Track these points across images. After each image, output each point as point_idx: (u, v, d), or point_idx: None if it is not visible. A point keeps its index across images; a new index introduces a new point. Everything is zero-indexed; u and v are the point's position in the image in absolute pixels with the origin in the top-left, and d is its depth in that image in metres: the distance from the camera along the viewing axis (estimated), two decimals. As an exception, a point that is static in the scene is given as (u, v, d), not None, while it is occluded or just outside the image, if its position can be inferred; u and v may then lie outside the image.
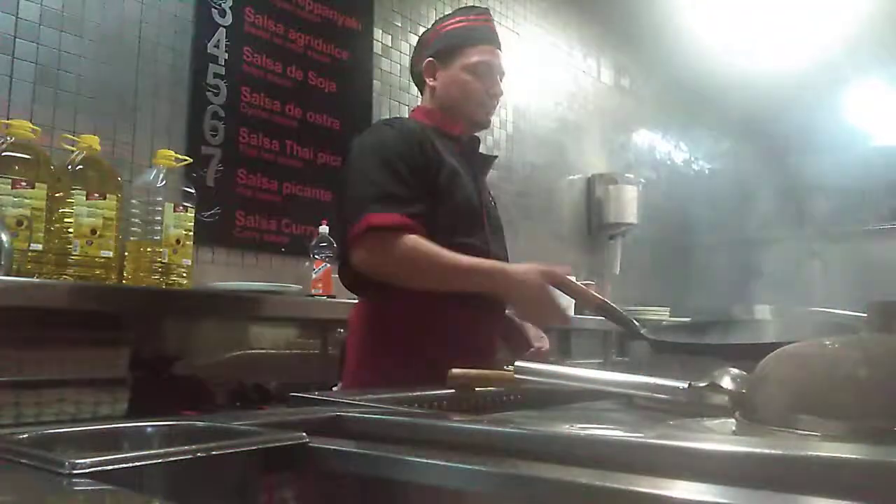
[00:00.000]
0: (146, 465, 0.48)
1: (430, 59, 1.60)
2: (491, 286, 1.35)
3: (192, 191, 1.94)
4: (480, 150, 1.69)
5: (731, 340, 1.05)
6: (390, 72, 3.01)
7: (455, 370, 1.00)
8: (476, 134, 1.65)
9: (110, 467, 0.46)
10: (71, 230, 1.66)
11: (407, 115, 3.05)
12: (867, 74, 4.99)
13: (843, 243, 6.21)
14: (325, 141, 2.62)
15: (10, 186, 1.56)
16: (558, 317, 1.34)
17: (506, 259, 1.59)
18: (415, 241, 1.34)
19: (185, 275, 1.88)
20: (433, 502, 0.53)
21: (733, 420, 0.66)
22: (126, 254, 1.83)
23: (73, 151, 1.73)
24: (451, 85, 1.57)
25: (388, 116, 2.96)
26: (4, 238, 1.46)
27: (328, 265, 2.20)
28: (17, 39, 1.86)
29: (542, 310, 1.32)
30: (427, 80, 1.61)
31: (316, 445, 0.58)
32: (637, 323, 1.18)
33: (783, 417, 0.58)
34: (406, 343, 1.40)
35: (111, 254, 1.71)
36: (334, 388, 1.57)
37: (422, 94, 1.66)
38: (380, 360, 1.42)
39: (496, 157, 1.79)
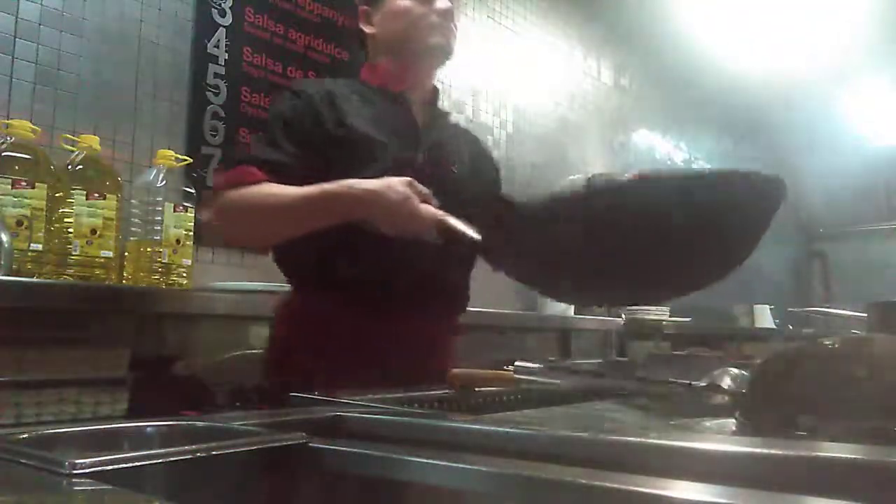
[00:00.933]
0: (146, 465, 0.48)
1: (363, 6, 1.41)
2: (342, 209, 1.15)
3: (192, 191, 1.94)
4: (441, 109, 1.48)
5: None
6: (390, 72, 3.01)
7: (457, 370, 1.00)
8: (435, 91, 1.45)
9: (110, 467, 0.46)
10: (71, 230, 1.66)
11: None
12: (867, 74, 4.99)
13: (843, 243, 6.22)
14: (325, 141, 2.62)
15: (10, 186, 1.56)
16: (429, 224, 1.12)
17: (470, 254, 1.35)
18: (248, 188, 1.19)
19: (185, 275, 1.88)
20: (433, 502, 0.53)
21: (733, 420, 0.66)
22: (126, 254, 1.83)
23: (73, 151, 1.73)
24: (389, 20, 1.37)
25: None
26: (4, 238, 1.46)
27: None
28: (17, 39, 1.86)
29: (409, 218, 1.11)
30: (366, 31, 1.41)
31: (316, 445, 0.58)
32: (474, 234, 1.05)
33: (783, 417, 0.58)
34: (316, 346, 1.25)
35: (111, 254, 1.71)
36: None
37: (367, 56, 1.45)
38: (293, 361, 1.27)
39: (447, 113, 1.54)
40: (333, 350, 1.23)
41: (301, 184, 1.18)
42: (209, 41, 2.28)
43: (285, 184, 1.19)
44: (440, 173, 1.33)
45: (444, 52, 1.37)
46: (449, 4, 1.36)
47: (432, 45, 1.34)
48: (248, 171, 1.20)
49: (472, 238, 1.06)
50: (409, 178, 1.13)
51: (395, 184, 1.12)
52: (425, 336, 1.33)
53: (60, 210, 1.66)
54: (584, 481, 0.45)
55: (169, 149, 1.97)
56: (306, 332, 1.29)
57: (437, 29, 1.34)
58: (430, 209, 1.12)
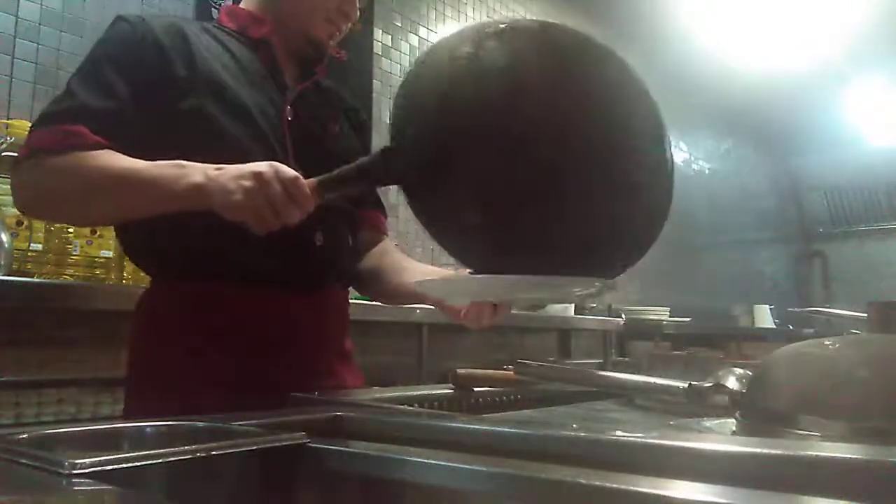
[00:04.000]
0: (146, 465, 0.48)
1: None
2: (169, 193, 0.91)
3: (192, 191, 1.94)
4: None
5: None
6: (390, 72, 3.01)
7: (457, 370, 1.00)
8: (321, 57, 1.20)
9: (110, 467, 0.46)
10: (71, 230, 1.66)
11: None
12: (867, 74, 4.99)
13: (843, 243, 6.22)
14: (325, 141, 2.62)
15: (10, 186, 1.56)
16: (285, 217, 0.88)
17: (344, 246, 1.16)
18: (75, 155, 0.95)
19: (185, 275, 1.88)
20: (433, 502, 0.53)
21: (733, 420, 0.66)
22: (126, 254, 1.84)
23: (73, 151, 1.74)
24: None
25: (388, 117, 2.96)
26: (4, 238, 1.46)
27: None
28: (17, 39, 1.86)
29: (262, 209, 0.87)
30: None
31: (316, 445, 0.58)
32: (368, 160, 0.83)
33: (783, 417, 0.58)
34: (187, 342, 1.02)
35: (111, 254, 1.71)
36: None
37: None
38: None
39: (326, 68, 1.25)
40: (246, 342, 1.03)
41: (139, 139, 0.98)
42: (209, 41, 2.28)
43: (118, 139, 0.97)
44: (310, 131, 1.14)
45: (319, 51, 1.18)
46: (356, 16, 1.20)
47: (313, 39, 1.17)
48: (73, 130, 0.96)
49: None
50: (265, 168, 0.88)
51: (257, 166, 0.88)
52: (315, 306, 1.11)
53: (60, 210, 1.67)
54: (584, 481, 0.45)
55: (169, 149, 1.97)
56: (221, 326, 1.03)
57: (330, 28, 1.17)
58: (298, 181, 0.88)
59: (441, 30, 3.28)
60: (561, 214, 0.71)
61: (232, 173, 0.89)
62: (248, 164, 0.89)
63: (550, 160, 0.69)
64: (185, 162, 0.93)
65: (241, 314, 1.03)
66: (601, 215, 0.72)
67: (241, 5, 1.21)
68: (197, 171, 0.91)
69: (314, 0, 1.15)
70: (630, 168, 0.73)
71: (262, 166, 0.88)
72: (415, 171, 0.77)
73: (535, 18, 0.87)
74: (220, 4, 2.31)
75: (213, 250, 1.01)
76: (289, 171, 0.88)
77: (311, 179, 0.88)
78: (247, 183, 0.87)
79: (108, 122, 0.98)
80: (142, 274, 1.83)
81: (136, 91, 1.01)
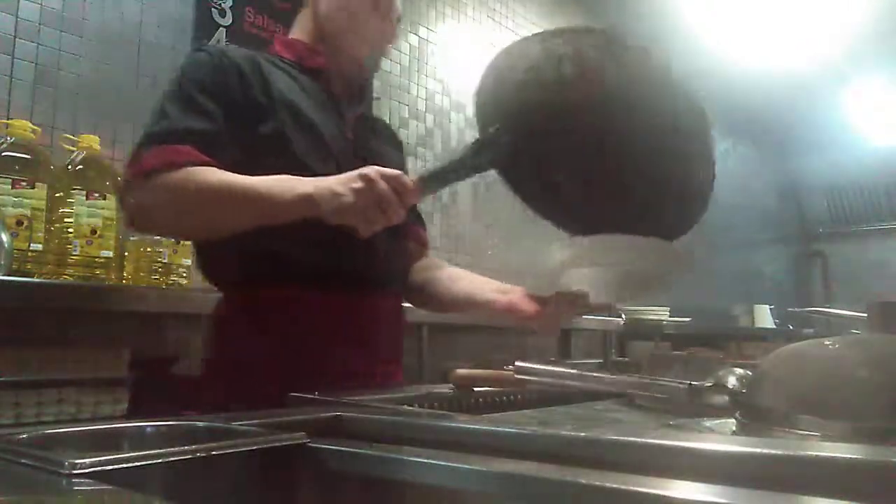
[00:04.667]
0: (146, 465, 0.48)
1: None
2: (281, 204, 0.98)
3: (192, 191, 1.94)
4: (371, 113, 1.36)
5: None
6: (390, 72, 3.01)
7: (457, 370, 1.00)
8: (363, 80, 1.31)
9: (110, 467, 0.46)
10: (71, 230, 1.66)
11: (407, 116, 3.07)
12: (867, 74, 4.99)
13: (843, 243, 6.22)
14: (325, 141, 2.62)
15: (10, 186, 1.56)
16: (391, 214, 0.96)
17: (403, 251, 1.27)
18: (189, 171, 1.01)
19: (185, 275, 1.88)
20: (433, 502, 0.53)
21: (733, 420, 0.66)
22: (126, 254, 1.83)
23: (73, 151, 1.73)
24: (342, 9, 1.24)
25: (387, 117, 2.97)
26: (4, 238, 1.46)
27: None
28: (17, 39, 1.86)
29: (370, 209, 0.95)
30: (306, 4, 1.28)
31: (316, 445, 0.58)
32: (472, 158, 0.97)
33: (783, 417, 0.58)
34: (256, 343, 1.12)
35: (111, 254, 1.71)
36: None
37: (291, 23, 1.34)
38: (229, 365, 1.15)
39: (372, 93, 1.45)
40: (315, 345, 1.10)
41: (232, 158, 1.04)
42: (209, 41, 2.28)
43: (218, 157, 1.03)
44: (369, 153, 1.20)
45: (364, 73, 1.28)
46: (396, 37, 1.30)
47: (360, 63, 1.25)
48: (183, 150, 1.02)
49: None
50: (369, 170, 0.96)
51: (365, 171, 0.96)
52: (380, 312, 1.21)
53: (60, 210, 1.66)
54: (584, 481, 0.45)
55: (169, 149, 1.96)
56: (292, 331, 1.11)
57: (375, 50, 1.26)
58: (393, 207, 0.96)
59: (441, 30, 3.28)
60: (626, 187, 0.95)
61: (338, 179, 0.97)
62: (350, 172, 0.97)
63: (616, 147, 0.92)
64: (288, 176, 1.00)
65: (317, 316, 1.11)
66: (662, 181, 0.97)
67: (292, 36, 1.32)
68: (304, 182, 0.99)
69: (357, 27, 1.24)
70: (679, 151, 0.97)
71: (365, 169, 0.96)
72: (508, 157, 0.98)
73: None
74: (220, 5, 2.31)
75: (289, 257, 1.09)
76: (392, 171, 0.96)
77: (413, 177, 0.98)
78: (355, 185, 0.95)
79: (209, 143, 1.05)
80: (142, 274, 1.83)
81: (225, 115, 1.08)
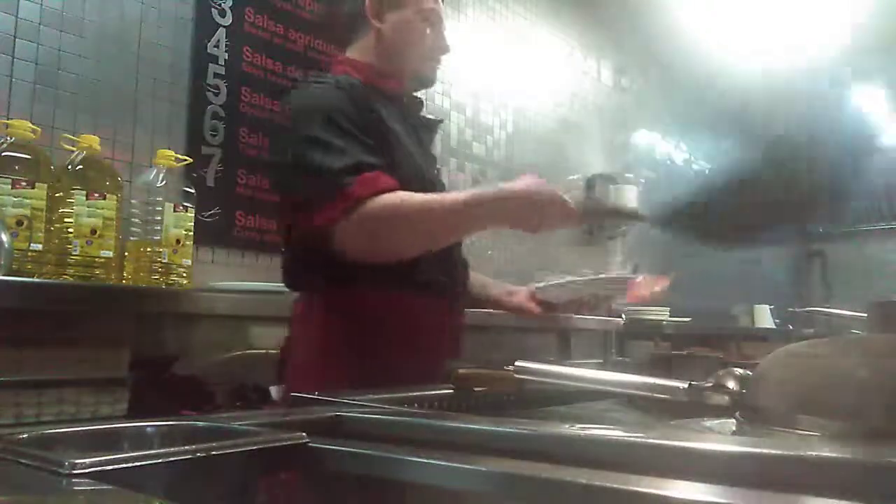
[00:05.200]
0: (146, 465, 0.48)
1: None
2: (488, 214, 1.19)
3: (192, 191, 1.94)
4: (425, 114, 1.49)
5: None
6: (390, 72, 3.01)
7: (457, 370, 1.00)
8: (419, 95, 1.45)
9: (110, 467, 0.46)
10: (71, 230, 1.66)
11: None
12: (867, 74, 4.99)
13: (843, 243, 6.21)
14: (325, 141, 2.62)
15: (10, 186, 1.56)
16: (569, 216, 1.20)
17: (459, 249, 1.41)
18: (392, 196, 1.15)
19: (185, 275, 1.88)
20: (433, 502, 0.53)
21: (733, 420, 0.66)
22: (126, 254, 1.83)
23: (73, 151, 1.73)
24: (403, 30, 1.34)
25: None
26: (4, 238, 1.46)
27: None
28: (17, 39, 1.86)
29: (553, 213, 1.18)
30: (372, 22, 1.34)
31: (316, 445, 0.58)
32: (630, 208, 1.22)
33: (783, 417, 0.58)
34: (359, 341, 1.23)
35: (111, 254, 1.71)
36: (272, 390, 1.41)
37: (349, 42, 1.40)
38: (332, 360, 1.24)
39: (441, 121, 1.61)
40: (388, 346, 1.23)
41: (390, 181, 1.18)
42: (209, 41, 2.28)
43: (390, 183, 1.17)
44: (438, 177, 1.41)
45: (428, 84, 1.44)
46: (448, 43, 1.42)
47: (424, 78, 1.41)
48: (373, 177, 1.15)
49: (632, 211, 1.20)
50: (542, 182, 1.18)
51: (540, 185, 1.17)
52: (451, 322, 1.40)
53: (60, 210, 1.66)
54: (584, 481, 0.45)
55: (169, 149, 1.97)
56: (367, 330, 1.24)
57: (434, 63, 1.40)
58: (569, 205, 1.18)
59: (441, 30, 3.28)
60: None
61: (516, 197, 1.17)
62: (526, 186, 1.16)
63: None
64: (471, 191, 1.19)
65: (410, 318, 1.25)
66: None
67: (350, 55, 1.39)
68: (492, 202, 1.18)
69: (414, 45, 1.36)
70: None
71: (543, 191, 1.16)
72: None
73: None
74: (220, 5, 2.31)
75: (389, 266, 1.19)
76: (558, 194, 1.17)
77: (575, 205, 1.17)
78: (537, 199, 1.15)
79: (381, 169, 1.17)
80: (142, 274, 1.83)
81: (372, 140, 1.21)
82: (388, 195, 1.14)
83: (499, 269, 3.14)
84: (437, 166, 1.47)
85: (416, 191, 1.19)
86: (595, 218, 1.25)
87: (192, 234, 1.91)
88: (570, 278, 1.41)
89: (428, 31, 1.37)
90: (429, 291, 1.25)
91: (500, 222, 1.23)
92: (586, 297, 1.38)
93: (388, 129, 1.25)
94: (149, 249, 1.82)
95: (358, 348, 1.22)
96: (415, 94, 1.44)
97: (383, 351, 1.21)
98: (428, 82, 1.43)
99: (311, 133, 1.17)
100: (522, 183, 1.18)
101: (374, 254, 1.19)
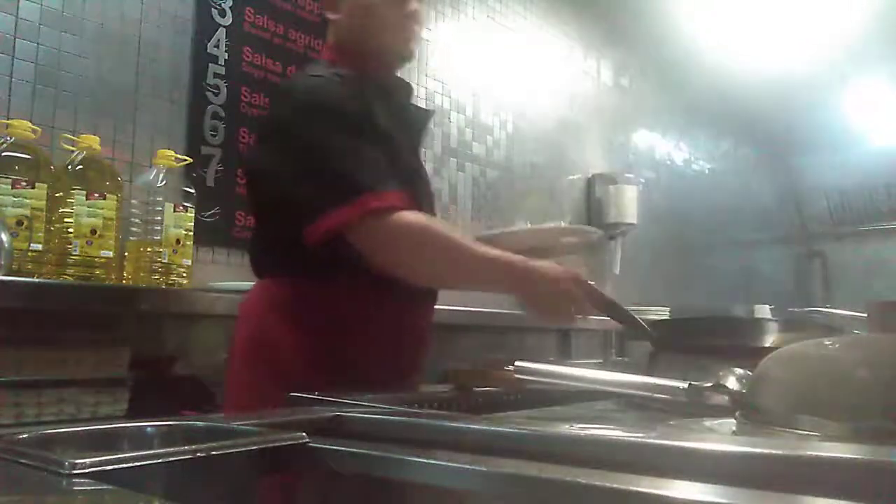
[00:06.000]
0: (146, 465, 0.48)
1: None
2: (510, 282, 1.17)
3: (192, 191, 1.94)
4: (416, 104, 1.44)
5: (737, 341, 1.04)
6: (390, 72, 3.01)
7: (457, 370, 1.00)
8: (408, 81, 1.40)
9: (110, 467, 0.46)
10: (71, 230, 1.66)
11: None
12: (867, 74, 4.99)
13: (843, 243, 6.21)
14: (325, 141, 2.62)
15: (10, 186, 1.56)
16: (572, 317, 1.20)
17: None
18: (420, 219, 1.14)
19: (185, 275, 1.88)
20: (433, 502, 0.53)
21: (733, 420, 0.66)
22: (126, 254, 1.83)
23: (73, 151, 1.73)
24: (356, 10, 1.28)
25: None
26: (4, 238, 1.46)
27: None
28: (17, 39, 1.86)
29: (563, 309, 1.18)
30: (329, 16, 1.32)
31: (316, 445, 0.58)
32: (644, 323, 1.16)
33: (783, 417, 0.58)
34: (328, 334, 1.18)
35: (111, 254, 1.71)
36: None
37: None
38: (299, 355, 1.17)
39: (433, 112, 1.55)
40: (346, 341, 1.18)
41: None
42: (209, 41, 2.28)
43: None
44: (417, 154, 1.38)
45: (406, 58, 1.33)
46: (422, 12, 1.34)
47: (398, 52, 1.31)
48: (393, 196, 1.13)
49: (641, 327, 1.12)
50: (576, 272, 1.17)
51: (565, 274, 1.15)
52: (418, 321, 1.32)
53: (60, 210, 1.66)
54: (584, 481, 0.45)
55: (169, 149, 1.97)
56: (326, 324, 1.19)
57: (406, 32, 1.30)
58: (582, 305, 1.18)
59: (441, 30, 3.28)
60: None
61: (547, 284, 1.15)
62: (560, 276, 1.15)
63: None
64: (511, 255, 1.16)
65: (380, 315, 1.21)
66: None
67: (331, 40, 1.35)
68: (525, 268, 1.15)
69: (377, 13, 1.28)
70: None
71: (574, 290, 1.16)
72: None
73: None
74: (220, 5, 2.31)
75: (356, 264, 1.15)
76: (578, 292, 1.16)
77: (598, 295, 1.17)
78: (565, 294, 1.15)
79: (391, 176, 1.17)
80: (142, 274, 1.83)
81: (377, 146, 1.18)
82: (413, 213, 1.13)
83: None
84: (424, 160, 1.44)
85: (408, 189, 1.18)
86: (606, 313, 1.20)
87: (192, 234, 1.91)
88: (525, 226, 1.42)
89: (386, 9, 1.28)
90: (402, 290, 1.18)
91: (520, 296, 1.23)
92: (550, 243, 1.33)
93: (379, 120, 1.21)
94: (149, 249, 1.82)
95: (326, 342, 1.17)
96: (403, 79, 1.37)
97: (350, 347, 1.17)
98: (402, 56, 1.32)
99: (326, 135, 1.14)
100: (559, 270, 1.16)
101: (391, 264, 1.15)
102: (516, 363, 0.94)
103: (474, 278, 1.19)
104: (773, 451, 0.46)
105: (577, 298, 1.16)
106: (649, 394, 0.81)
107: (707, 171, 5.42)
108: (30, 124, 1.65)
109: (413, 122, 1.36)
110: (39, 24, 1.91)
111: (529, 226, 1.47)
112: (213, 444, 0.52)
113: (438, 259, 1.16)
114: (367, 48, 1.29)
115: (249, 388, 1.19)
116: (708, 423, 0.68)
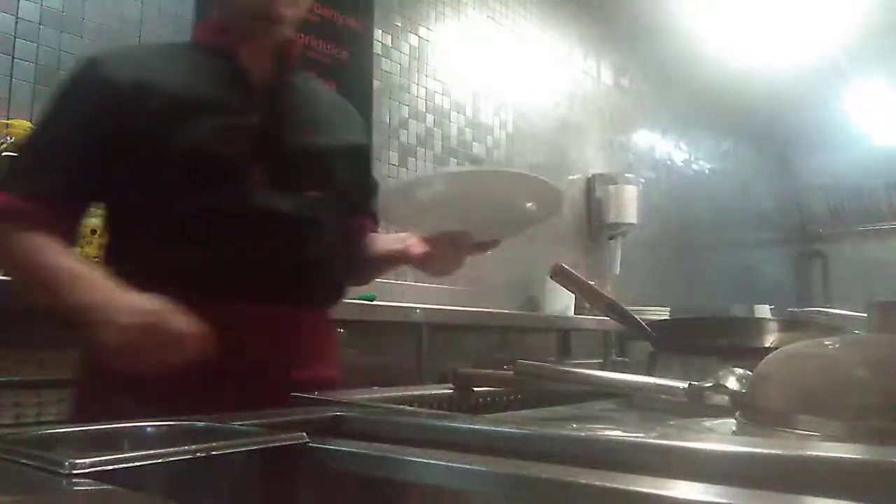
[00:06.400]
0: (146, 465, 0.48)
1: None
2: (65, 308, 1.02)
3: (192, 191, 1.94)
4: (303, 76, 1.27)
5: (737, 341, 1.04)
6: (390, 72, 3.01)
7: (457, 370, 1.00)
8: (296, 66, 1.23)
9: (110, 467, 0.46)
10: (71, 230, 1.65)
11: (407, 116, 3.07)
12: (868, 74, 4.99)
13: (843, 243, 6.22)
14: (325, 141, 2.62)
15: (10, 186, 1.56)
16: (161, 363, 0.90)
17: (317, 226, 1.15)
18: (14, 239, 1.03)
19: (185, 275, 1.88)
20: (433, 502, 0.53)
21: (733, 420, 0.66)
22: (126, 254, 1.83)
23: (73, 151, 1.73)
24: None
25: (388, 117, 2.97)
26: (4, 238, 1.46)
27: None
28: (17, 39, 1.86)
29: (132, 358, 0.91)
30: None
31: (316, 445, 0.58)
32: (644, 323, 1.11)
33: (783, 417, 0.58)
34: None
35: (111, 254, 1.71)
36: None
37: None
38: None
39: (311, 78, 1.37)
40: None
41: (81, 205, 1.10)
42: (209, 41, 2.28)
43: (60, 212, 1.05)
44: (289, 137, 1.15)
45: (276, 21, 1.13)
46: None
47: (263, 16, 1.12)
48: (2, 196, 1.03)
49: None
50: (161, 320, 0.90)
51: (144, 323, 0.90)
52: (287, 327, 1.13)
53: (60, 210, 1.66)
54: (584, 481, 0.45)
55: (169, 149, 1.97)
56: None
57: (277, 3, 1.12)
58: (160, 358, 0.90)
59: (441, 30, 3.28)
60: None
61: (129, 305, 0.93)
62: (130, 323, 0.90)
63: None
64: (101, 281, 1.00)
65: (228, 329, 0.95)
66: None
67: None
68: (96, 295, 0.99)
69: None
70: None
71: (156, 306, 0.91)
72: None
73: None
74: (220, 4, 2.31)
75: (207, 274, 1.05)
76: (173, 330, 0.90)
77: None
78: (142, 321, 0.90)
79: (44, 201, 1.04)
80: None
81: (91, 155, 1.06)
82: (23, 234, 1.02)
83: (497, 269, 3.14)
84: (302, 125, 1.19)
85: (200, 164, 1.05)
86: (606, 313, 1.07)
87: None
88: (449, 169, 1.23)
89: None
90: (268, 298, 1.07)
91: (94, 329, 0.96)
92: (483, 194, 1.10)
93: (164, 98, 1.06)
94: (149, 249, 1.82)
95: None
96: (277, 46, 1.18)
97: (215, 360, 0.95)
98: (271, 20, 1.14)
99: (45, 112, 1.08)
100: (142, 311, 0.91)
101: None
102: (516, 363, 0.94)
103: (43, 295, 1.07)
104: (773, 451, 0.46)
105: (148, 351, 0.90)
106: (649, 394, 0.81)
107: (707, 171, 5.43)
108: (30, 124, 1.65)
109: (243, 93, 1.14)
110: (39, 24, 1.91)
111: (454, 168, 1.14)
112: (214, 444, 0.52)
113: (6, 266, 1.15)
114: (238, 18, 1.15)
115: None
116: (708, 423, 0.68)
